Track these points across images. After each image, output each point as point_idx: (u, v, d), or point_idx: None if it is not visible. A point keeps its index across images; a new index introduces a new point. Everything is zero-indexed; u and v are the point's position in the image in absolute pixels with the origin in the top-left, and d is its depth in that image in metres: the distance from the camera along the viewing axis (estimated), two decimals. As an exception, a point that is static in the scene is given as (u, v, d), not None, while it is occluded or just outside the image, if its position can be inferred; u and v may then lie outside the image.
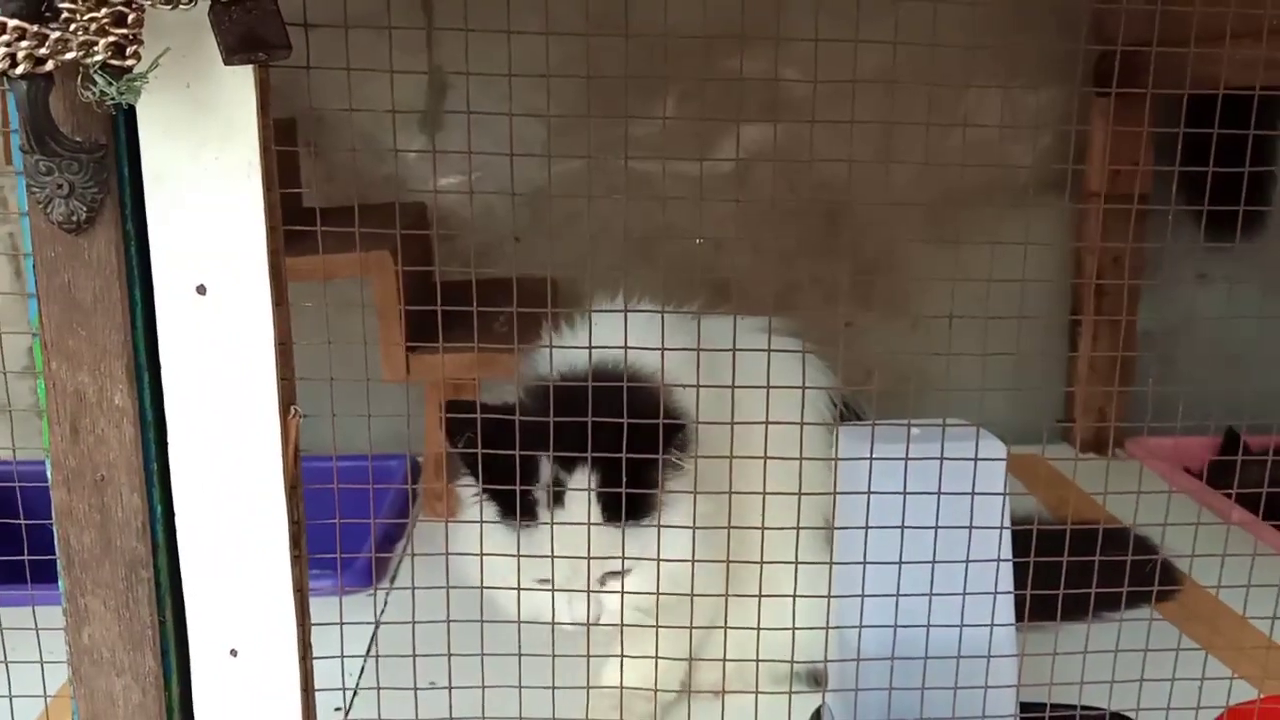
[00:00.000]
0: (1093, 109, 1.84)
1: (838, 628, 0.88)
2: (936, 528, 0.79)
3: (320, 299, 0.89)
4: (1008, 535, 0.85)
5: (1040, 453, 1.37)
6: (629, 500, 0.90)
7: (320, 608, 0.77)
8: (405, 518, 1.36)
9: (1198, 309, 2.00)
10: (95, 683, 0.71)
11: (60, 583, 0.70)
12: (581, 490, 0.90)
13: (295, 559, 0.71)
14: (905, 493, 0.78)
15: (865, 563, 0.79)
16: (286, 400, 0.69)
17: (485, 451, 0.80)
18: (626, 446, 0.77)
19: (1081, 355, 1.91)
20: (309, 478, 0.73)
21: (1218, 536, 0.91)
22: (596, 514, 0.91)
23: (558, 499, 0.92)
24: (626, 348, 0.78)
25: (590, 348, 0.85)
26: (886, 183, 1.88)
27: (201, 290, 0.67)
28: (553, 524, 0.87)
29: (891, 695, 0.83)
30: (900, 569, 0.78)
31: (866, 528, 0.82)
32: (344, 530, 0.82)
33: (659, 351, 0.78)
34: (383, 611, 1.19)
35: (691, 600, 0.82)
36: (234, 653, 0.72)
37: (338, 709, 1.05)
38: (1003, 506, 0.84)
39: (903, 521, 0.78)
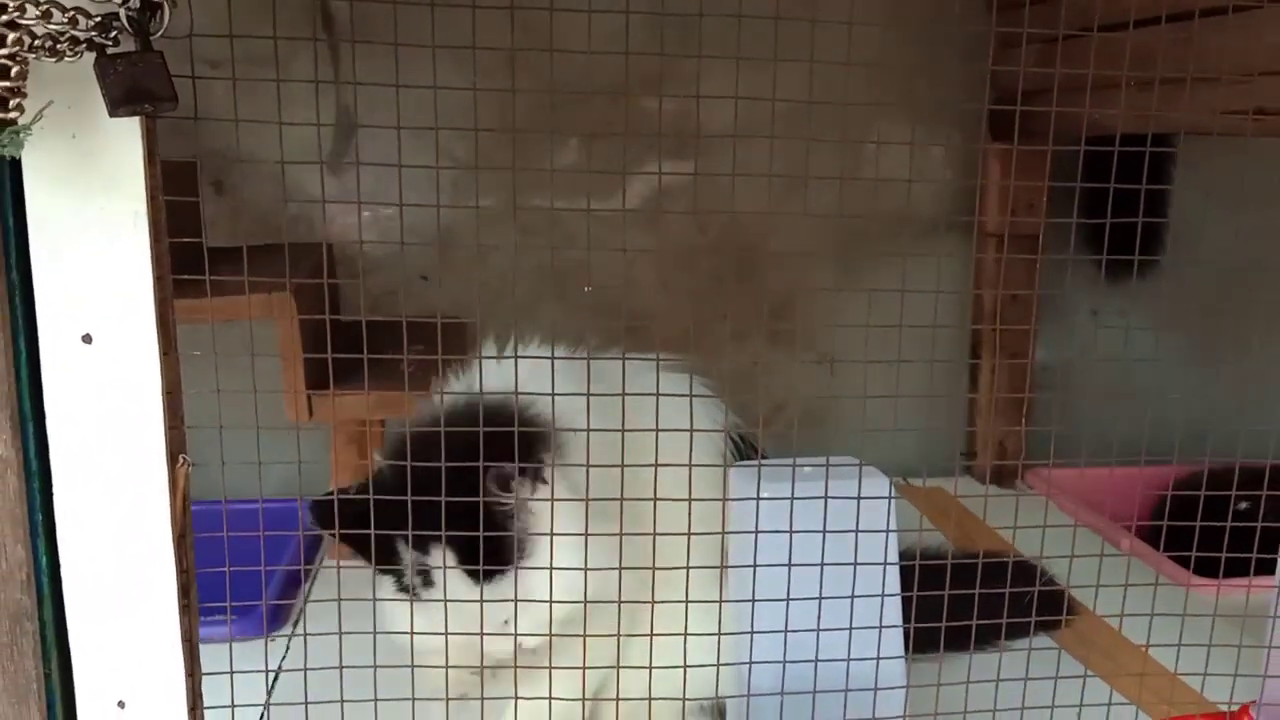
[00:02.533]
0: (989, 157, 1.92)
1: (731, 664, 0.90)
2: (822, 564, 0.82)
3: (215, 341, 0.89)
4: (894, 570, 0.88)
5: (950, 487, 1.42)
6: (495, 551, 0.90)
7: (215, 655, 0.77)
8: (309, 562, 1.35)
9: (1092, 345, 2.08)
10: (-25, 740, 0.69)
11: (-61, 637, 0.69)
12: (440, 568, 0.91)
13: (184, 608, 0.71)
14: (791, 531, 0.80)
15: (754, 600, 0.82)
16: (175, 449, 0.69)
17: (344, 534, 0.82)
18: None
19: (982, 392, 1.98)
20: (211, 523, 0.73)
21: (1116, 566, 0.95)
22: (463, 583, 0.91)
23: (425, 579, 0.92)
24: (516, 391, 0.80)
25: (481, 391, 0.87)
26: (796, 227, 1.94)
27: (88, 339, 0.67)
28: (447, 598, 0.87)
29: (784, 728, 0.85)
30: (787, 606, 0.81)
31: (755, 565, 0.85)
32: (244, 577, 0.82)
33: (549, 395, 0.79)
34: (283, 658, 1.18)
35: (584, 641, 0.83)
36: (121, 704, 0.71)
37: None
38: (886, 542, 0.87)
39: (789, 559, 0.80)
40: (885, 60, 1.52)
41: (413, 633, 0.84)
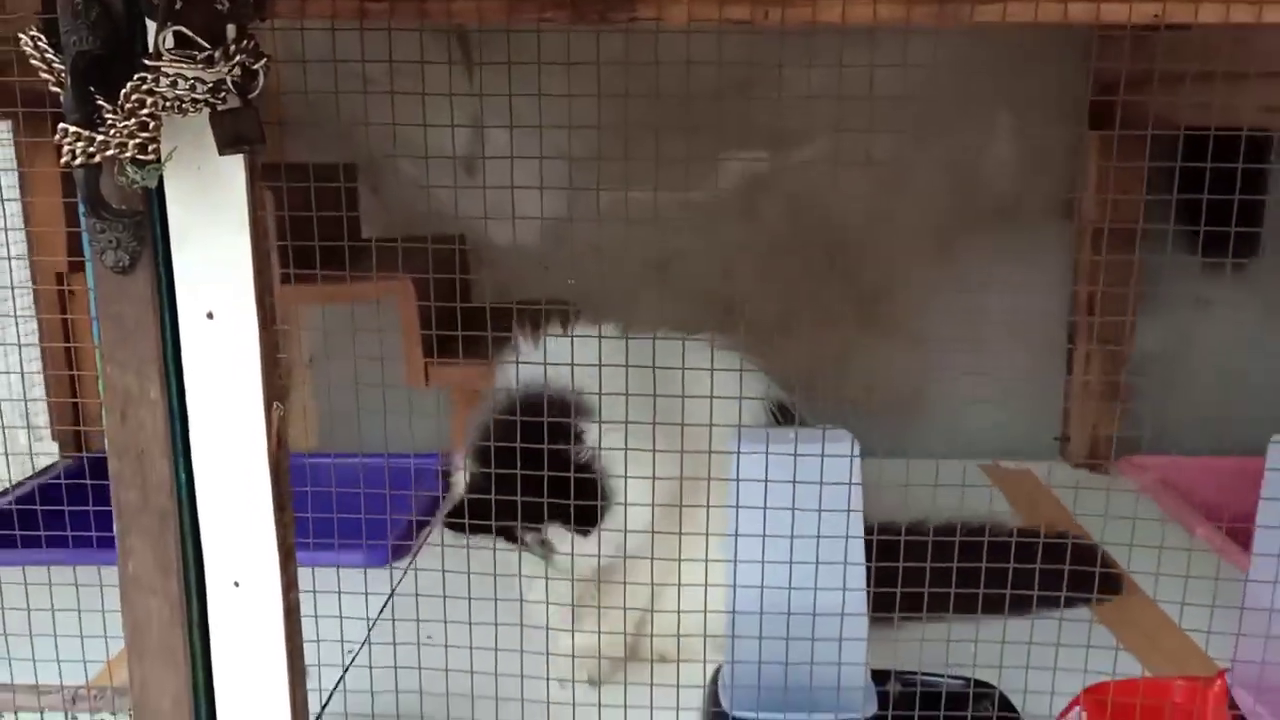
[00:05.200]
0: (1090, 145, 1.97)
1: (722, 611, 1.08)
2: (793, 509, 0.98)
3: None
4: (858, 516, 1.03)
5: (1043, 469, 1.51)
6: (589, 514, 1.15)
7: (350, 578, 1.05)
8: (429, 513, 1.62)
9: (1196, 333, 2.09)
10: (136, 601, 0.96)
11: (114, 526, 0.96)
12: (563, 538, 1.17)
13: (279, 520, 0.95)
14: (765, 481, 0.97)
15: (737, 534, 0.99)
16: (271, 398, 0.93)
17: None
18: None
19: (1075, 377, 2.04)
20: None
21: (1182, 553, 1.03)
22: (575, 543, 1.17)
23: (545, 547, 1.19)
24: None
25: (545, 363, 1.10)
26: (895, 219, 2.05)
27: (210, 316, 0.92)
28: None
29: (762, 659, 1.02)
30: (763, 555, 0.98)
31: (736, 507, 1.02)
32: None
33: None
34: (398, 584, 1.44)
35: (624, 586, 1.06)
36: (237, 584, 0.96)
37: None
38: (849, 494, 1.02)
39: (765, 504, 0.98)
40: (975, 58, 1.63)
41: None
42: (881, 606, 1.10)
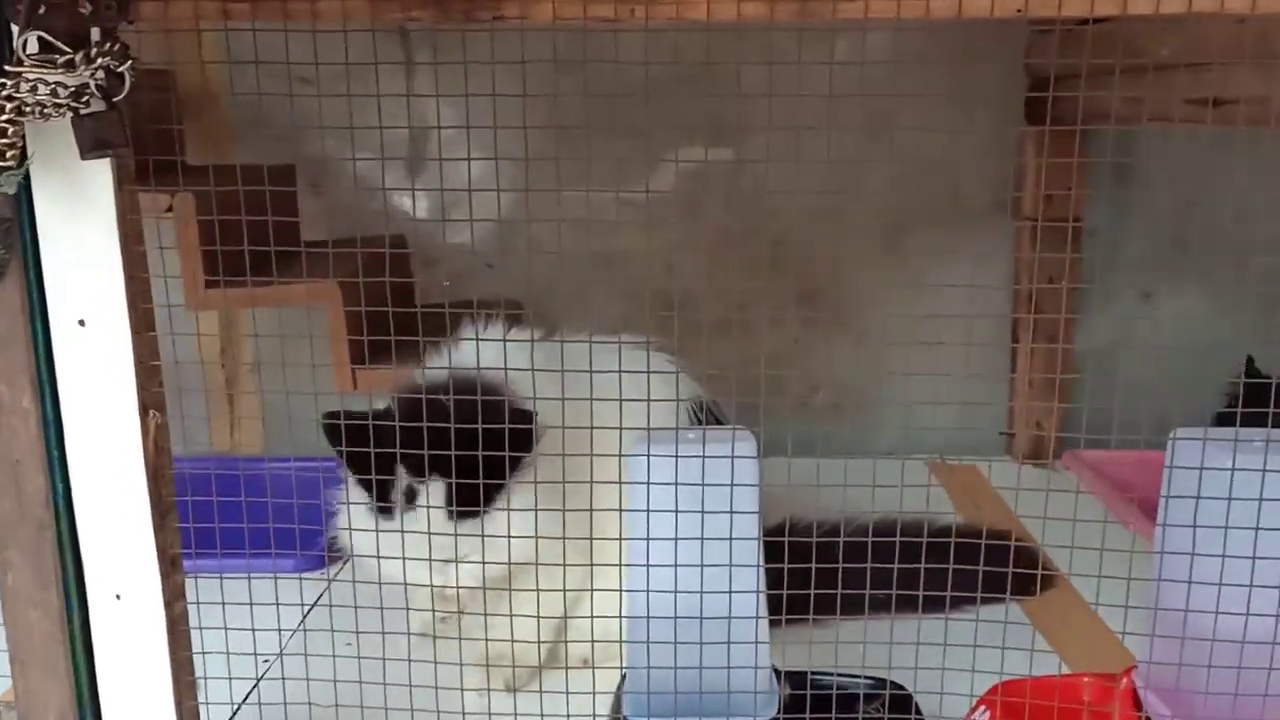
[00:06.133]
0: (1027, 141, 1.96)
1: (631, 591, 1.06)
2: (676, 510, 0.97)
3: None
4: (753, 520, 1.01)
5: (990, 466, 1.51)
6: (470, 494, 1.11)
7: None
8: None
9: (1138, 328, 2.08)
10: (17, 614, 0.94)
11: (-11, 539, 0.94)
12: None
13: (159, 528, 0.93)
14: (668, 483, 0.96)
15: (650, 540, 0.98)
16: (147, 406, 0.91)
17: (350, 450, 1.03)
18: (475, 449, 0.99)
19: (1019, 374, 2.03)
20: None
21: (1119, 544, 0.99)
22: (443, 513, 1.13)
23: (409, 498, 1.14)
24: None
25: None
26: (836, 209, 2.04)
27: (82, 323, 0.90)
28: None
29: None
30: (646, 548, 0.97)
31: (648, 511, 1.01)
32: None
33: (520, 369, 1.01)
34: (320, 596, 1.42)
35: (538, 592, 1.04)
36: (118, 596, 0.95)
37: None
38: (749, 494, 1.00)
39: (648, 507, 0.96)
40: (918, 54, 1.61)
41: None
42: (797, 608, 1.09)
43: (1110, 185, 1.98)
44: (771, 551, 1.07)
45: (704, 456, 0.96)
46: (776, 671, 1.09)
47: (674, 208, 2.02)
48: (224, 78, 1.97)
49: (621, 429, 1.01)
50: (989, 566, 1.20)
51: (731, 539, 0.98)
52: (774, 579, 1.08)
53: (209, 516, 1.03)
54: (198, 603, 1.00)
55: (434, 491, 1.15)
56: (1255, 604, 0.91)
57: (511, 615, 1.13)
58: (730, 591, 0.98)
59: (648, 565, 0.97)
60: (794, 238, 2.07)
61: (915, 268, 2.08)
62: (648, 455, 0.97)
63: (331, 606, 1.07)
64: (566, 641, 1.28)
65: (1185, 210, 2.00)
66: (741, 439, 1.03)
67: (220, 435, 2.09)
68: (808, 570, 1.03)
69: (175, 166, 1.48)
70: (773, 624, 1.15)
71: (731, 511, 0.97)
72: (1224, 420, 1.65)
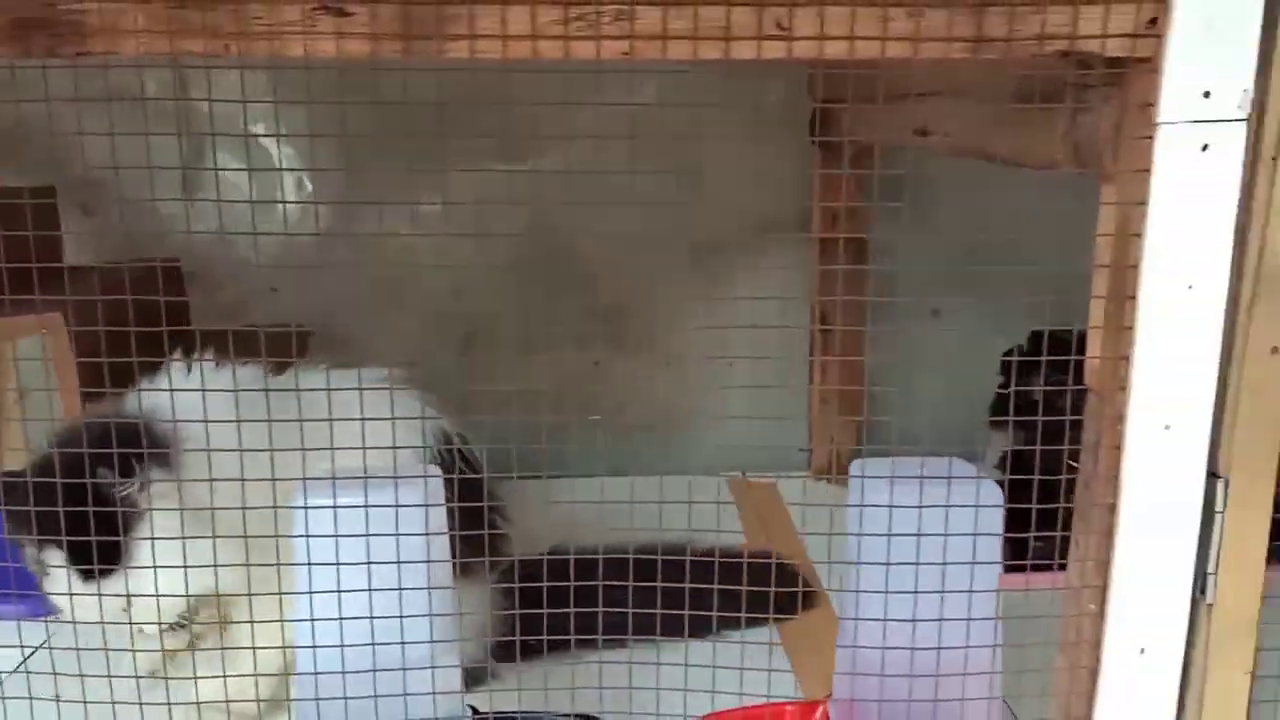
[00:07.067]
0: (816, 158, 1.98)
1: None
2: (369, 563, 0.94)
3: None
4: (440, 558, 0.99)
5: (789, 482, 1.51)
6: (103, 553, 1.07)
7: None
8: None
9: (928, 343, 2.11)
10: None
11: None
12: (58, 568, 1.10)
13: None
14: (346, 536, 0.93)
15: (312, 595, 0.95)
16: None
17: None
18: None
19: (815, 389, 2.06)
20: None
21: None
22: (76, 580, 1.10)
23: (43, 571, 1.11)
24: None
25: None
26: (634, 231, 2.03)
27: None
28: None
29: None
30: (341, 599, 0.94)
31: (337, 564, 0.98)
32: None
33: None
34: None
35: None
36: None
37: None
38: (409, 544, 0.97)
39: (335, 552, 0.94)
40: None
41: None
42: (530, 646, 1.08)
43: (895, 204, 2.01)
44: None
45: (367, 507, 0.94)
46: (478, 714, 1.07)
47: (469, 225, 1.99)
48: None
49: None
50: (736, 586, 1.20)
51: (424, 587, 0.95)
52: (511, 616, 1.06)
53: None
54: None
55: (54, 558, 1.11)
56: (921, 636, 0.92)
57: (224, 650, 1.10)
58: (403, 643, 0.96)
59: (312, 620, 0.94)
60: (596, 255, 2.06)
61: (724, 285, 2.09)
62: (306, 506, 0.95)
63: (52, 649, 1.01)
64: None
65: (966, 230, 2.04)
66: (415, 485, 1.01)
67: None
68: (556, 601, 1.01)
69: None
70: (505, 662, 1.14)
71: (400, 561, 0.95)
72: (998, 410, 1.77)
